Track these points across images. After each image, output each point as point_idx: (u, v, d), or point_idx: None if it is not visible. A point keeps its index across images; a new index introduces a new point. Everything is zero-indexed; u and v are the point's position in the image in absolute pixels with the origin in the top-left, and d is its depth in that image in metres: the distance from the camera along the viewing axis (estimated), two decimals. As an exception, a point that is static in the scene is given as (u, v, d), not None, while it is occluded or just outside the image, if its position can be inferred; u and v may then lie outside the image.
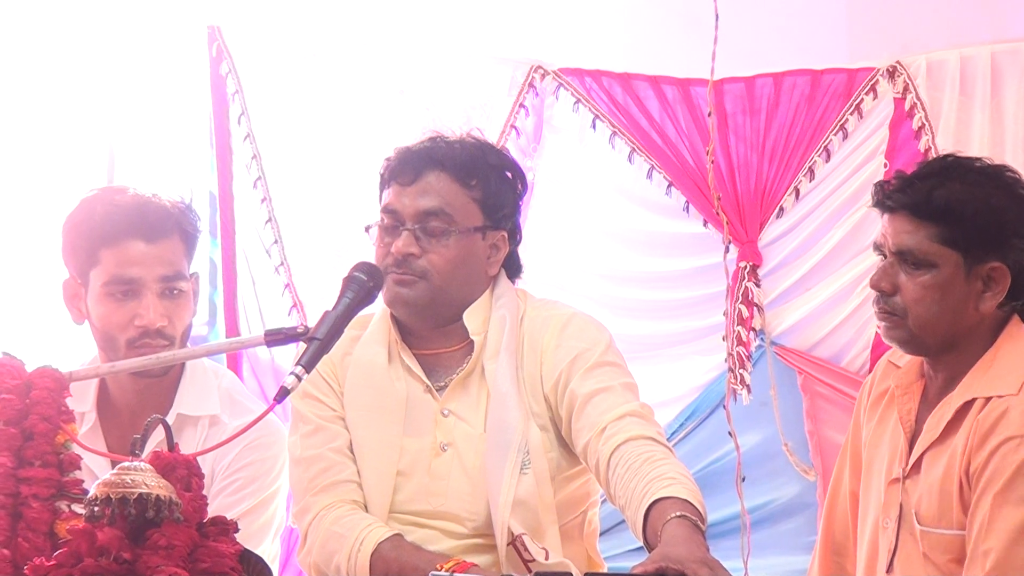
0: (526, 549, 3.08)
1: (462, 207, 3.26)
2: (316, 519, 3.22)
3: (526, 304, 3.34)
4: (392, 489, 3.23)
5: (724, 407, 5.00)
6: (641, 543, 2.84)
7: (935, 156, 4.58)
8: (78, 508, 2.72)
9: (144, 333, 3.41)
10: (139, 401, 3.50)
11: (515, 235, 3.37)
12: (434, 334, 3.31)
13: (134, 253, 3.42)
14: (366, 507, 3.23)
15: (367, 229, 3.32)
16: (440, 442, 3.24)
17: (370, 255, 3.11)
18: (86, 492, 2.59)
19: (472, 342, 3.27)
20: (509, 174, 3.36)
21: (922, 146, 4.93)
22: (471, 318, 3.28)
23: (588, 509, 3.35)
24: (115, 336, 3.43)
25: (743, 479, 4.96)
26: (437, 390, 3.28)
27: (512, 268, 3.39)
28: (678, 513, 2.74)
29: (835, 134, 5.02)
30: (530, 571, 3.05)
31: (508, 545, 3.11)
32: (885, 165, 4.95)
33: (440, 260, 3.23)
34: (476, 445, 3.22)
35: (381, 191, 3.33)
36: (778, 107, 5.03)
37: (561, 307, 3.36)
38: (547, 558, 3.08)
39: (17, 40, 4.90)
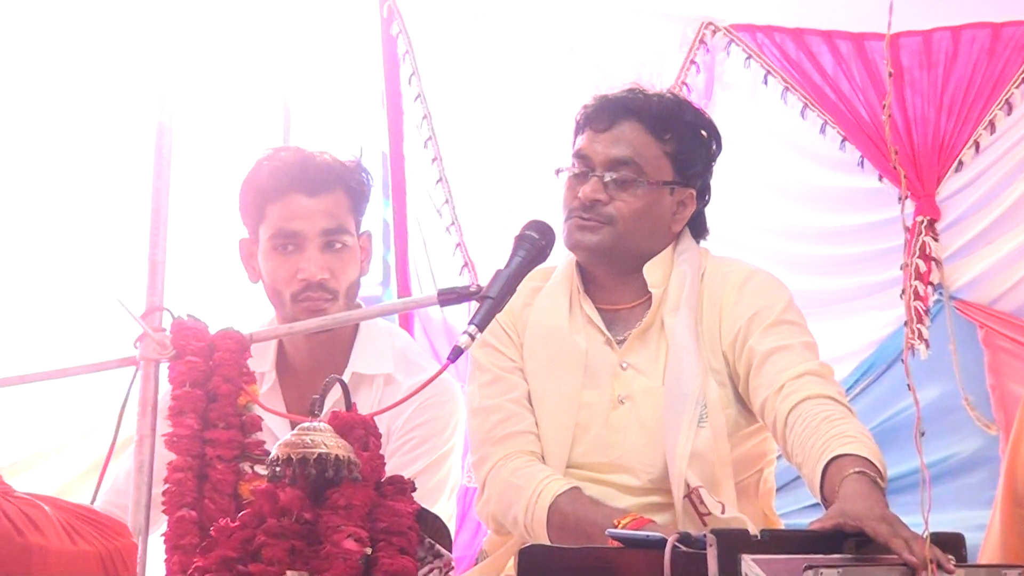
0: (702, 502, 3.07)
1: (653, 159, 3.26)
2: (494, 469, 3.24)
3: (707, 261, 3.32)
4: (571, 441, 3.23)
5: (902, 361, 4.93)
6: (818, 500, 2.81)
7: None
8: (260, 469, 2.76)
9: (307, 286, 3.42)
10: (313, 360, 3.53)
11: (704, 195, 3.35)
12: (615, 285, 3.30)
13: (296, 207, 3.44)
14: (543, 458, 3.24)
15: (557, 172, 3.32)
16: (618, 395, 3.24)
17: (541, 213, 3.10)
18: (267, 453, 2.62)
19: (651, 296, 3.26)
20: (704, 133, 3.34)
21: (1107, 99, 4.81)
22: (651, 271, 3.27)
23: (764, 468, 3.32)
24: (281, 290, 3.46)
25: (923, 434, 4.88)
26: (617, 343, 3.27)
27: (697, 228, 3.37)
28: (857, 469, 2.72)
29: (1017, 87, 4.91)
30: (705, 525, 3.04)
31: (684, 498, 3.10)
32: (1071, 120, 4.84)
33: (626, 208, 3.23)
34: (654, 398, 3.21)
35: (575, 136, 3.33)
36: (956, 61, 4.92)
37: (742, 264, 3.34)
38: (723, 512, 3.06)
39: (195, 5, 4.97)
